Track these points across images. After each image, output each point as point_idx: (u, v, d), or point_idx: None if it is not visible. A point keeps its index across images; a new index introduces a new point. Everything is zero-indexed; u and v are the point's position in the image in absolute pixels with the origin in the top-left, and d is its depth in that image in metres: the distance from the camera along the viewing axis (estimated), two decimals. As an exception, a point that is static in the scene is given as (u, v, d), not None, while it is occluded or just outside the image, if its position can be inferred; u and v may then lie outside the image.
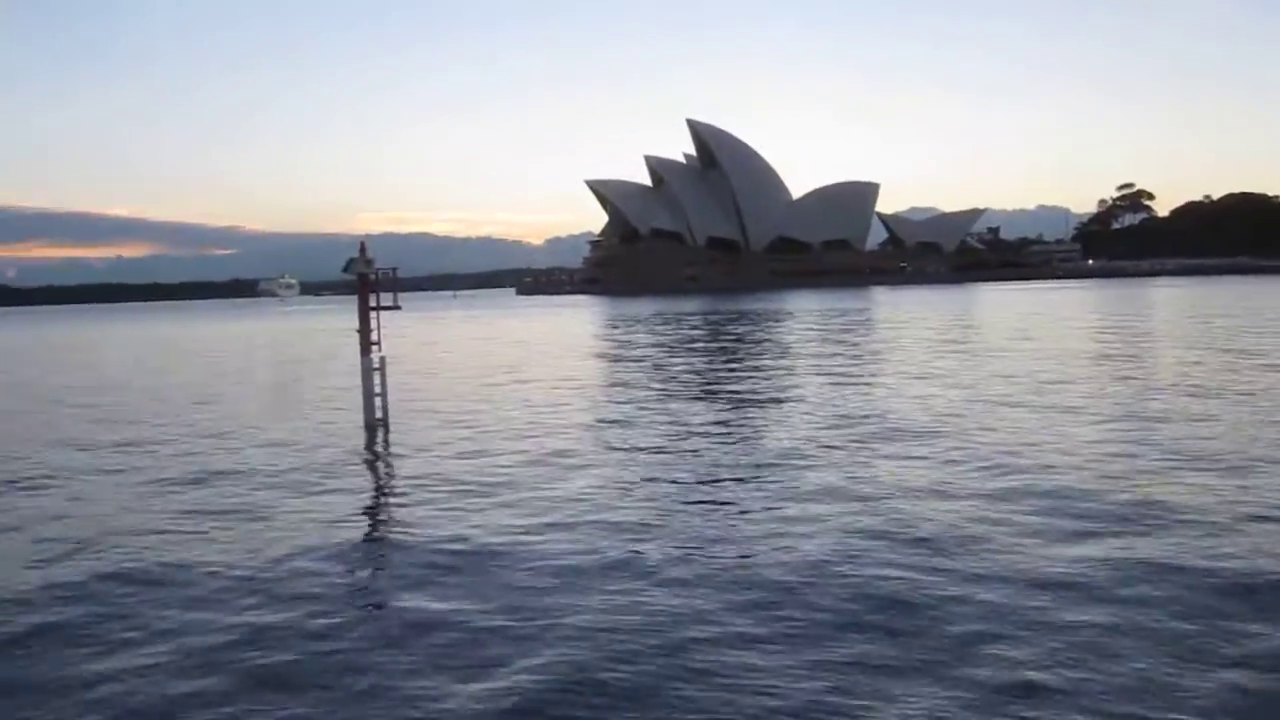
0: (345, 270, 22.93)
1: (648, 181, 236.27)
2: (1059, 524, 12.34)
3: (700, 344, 49.59)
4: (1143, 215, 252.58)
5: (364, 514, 14.71)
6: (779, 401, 25.62)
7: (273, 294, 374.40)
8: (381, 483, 17.28)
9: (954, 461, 16.61)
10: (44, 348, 74.62)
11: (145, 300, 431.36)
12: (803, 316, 73.88)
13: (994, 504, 13.42)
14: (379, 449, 20.40)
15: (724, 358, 40.03)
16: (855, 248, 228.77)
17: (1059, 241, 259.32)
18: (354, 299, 23.19)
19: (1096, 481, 14.59)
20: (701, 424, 22.00)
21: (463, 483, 16.11)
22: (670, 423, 22.30)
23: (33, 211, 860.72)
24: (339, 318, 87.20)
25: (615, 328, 70.05)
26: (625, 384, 31.51)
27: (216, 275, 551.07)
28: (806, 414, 22.84)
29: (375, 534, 13.49)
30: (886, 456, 17.32)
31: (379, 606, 10.40)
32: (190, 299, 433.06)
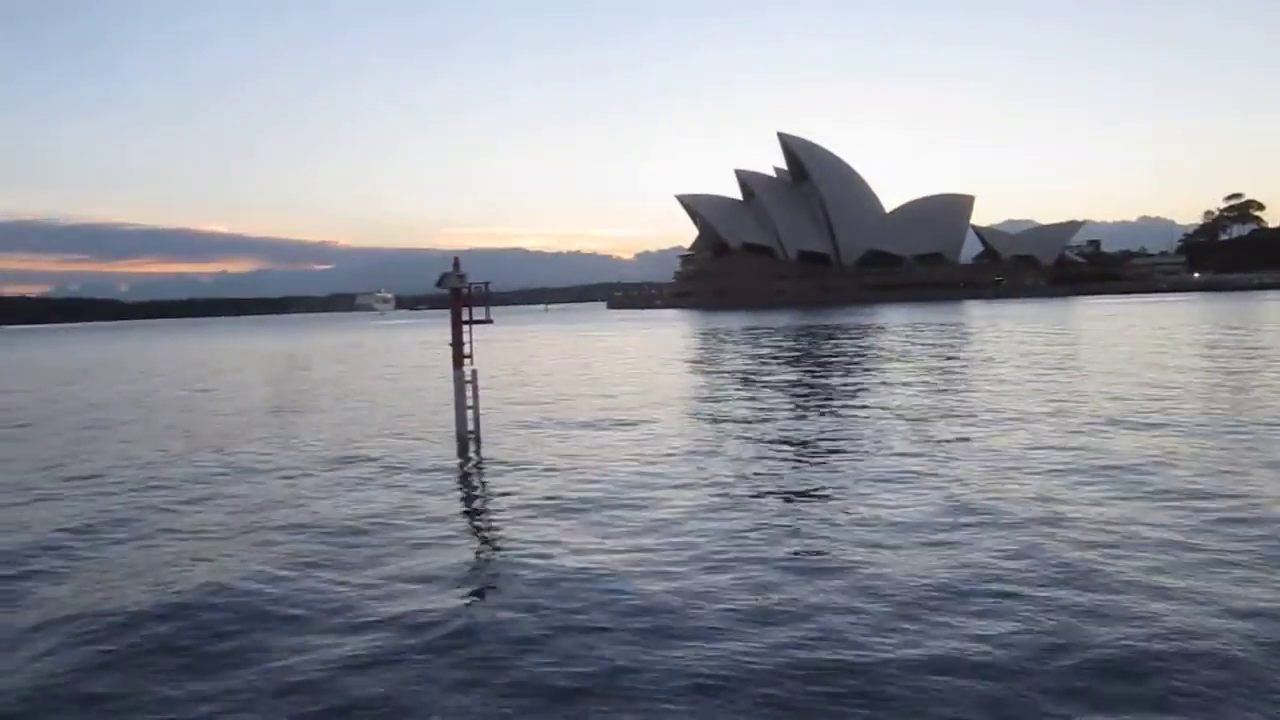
0: (439, 284, 23.19)
1: (738, 196, 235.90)
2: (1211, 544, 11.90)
3: (794, 359, 49.00)
4: (1252, 226, 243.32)
5: (457, 531, 14.62)
6: (880, 419, 24.69)
7: (370, 308, 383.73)
8: (473, 497, 17.27)
9: (1076, 482, 15.96)
10: (165, 362, 76.93)
11: (248, 314, 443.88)
12: (897, 331, 72.46)
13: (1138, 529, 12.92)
14: (470, 462, 20.54)
15: (819, 373, 39.46)
16: (949, 261, 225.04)
17: (1163, 254, 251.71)
18: (448, 312, 23.49)
19: (1231, 502, 13.99)
20: (799, 441, 21.51)
21: (555, 499, 16.03)
22: (766, 440, 21.82)
23: (144, 229, 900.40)
24: (432, 331, 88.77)
25: (706, 342, 69.71)
26: (718, 399, 31.01)
27: (316, 290, 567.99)
28: (910, 433, 22.18)
29: (469, 551, 13.38)
30: (1000, 477, 16.70)
31: (472, 627, 10.10)
32: (291, 313, 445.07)
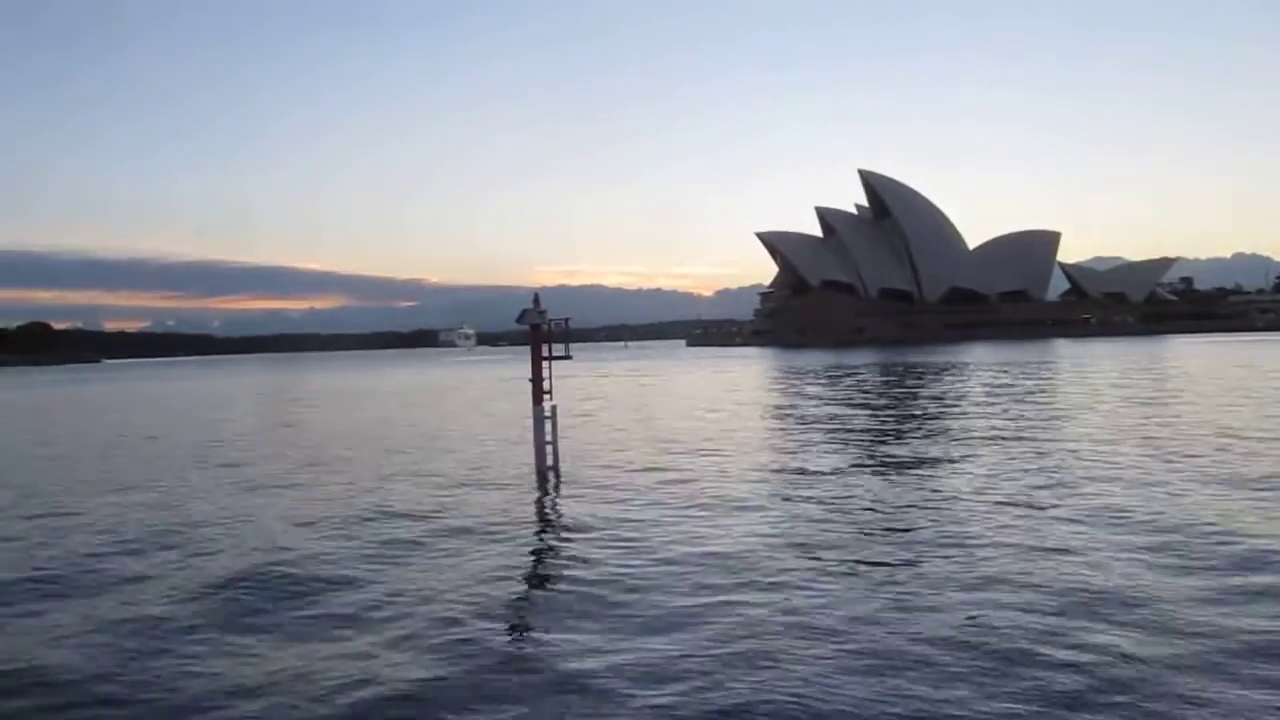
0: (519, 320, 23.24)
1: (819, 233, 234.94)
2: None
3: (882, 402, 47.99)
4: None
5: (533, 568, 14.39)
6: (983, 480, 21.76)
7: (452, 344, 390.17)
8: (552, 535, 16.90)
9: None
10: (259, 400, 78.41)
11: (332, 350, 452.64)
12: (985, 372, 70.36)
13: None
14: (549, 497, 20.34)
15: (911, 421, 38.44)
16: (1035, 299, 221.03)
17: (1259, 291, 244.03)
18: (528, 349, 23.48)
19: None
20: (894, 504, 19.34)
21: (633, 541, 15.61)
22: (853, 491, 20.72)
23: (243, 266, 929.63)
24: (513, 367, 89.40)
25: (790, 381, 68.66)
26: (804, 447, 29.09)
27: (401, 326, 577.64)
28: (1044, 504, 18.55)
29: (542, 588, 13.16)
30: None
31: (536, 670, 9.80)
32: (377, 348, 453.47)
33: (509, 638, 10.78)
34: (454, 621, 11.29)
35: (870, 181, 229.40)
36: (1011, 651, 9.66)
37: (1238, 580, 11.92)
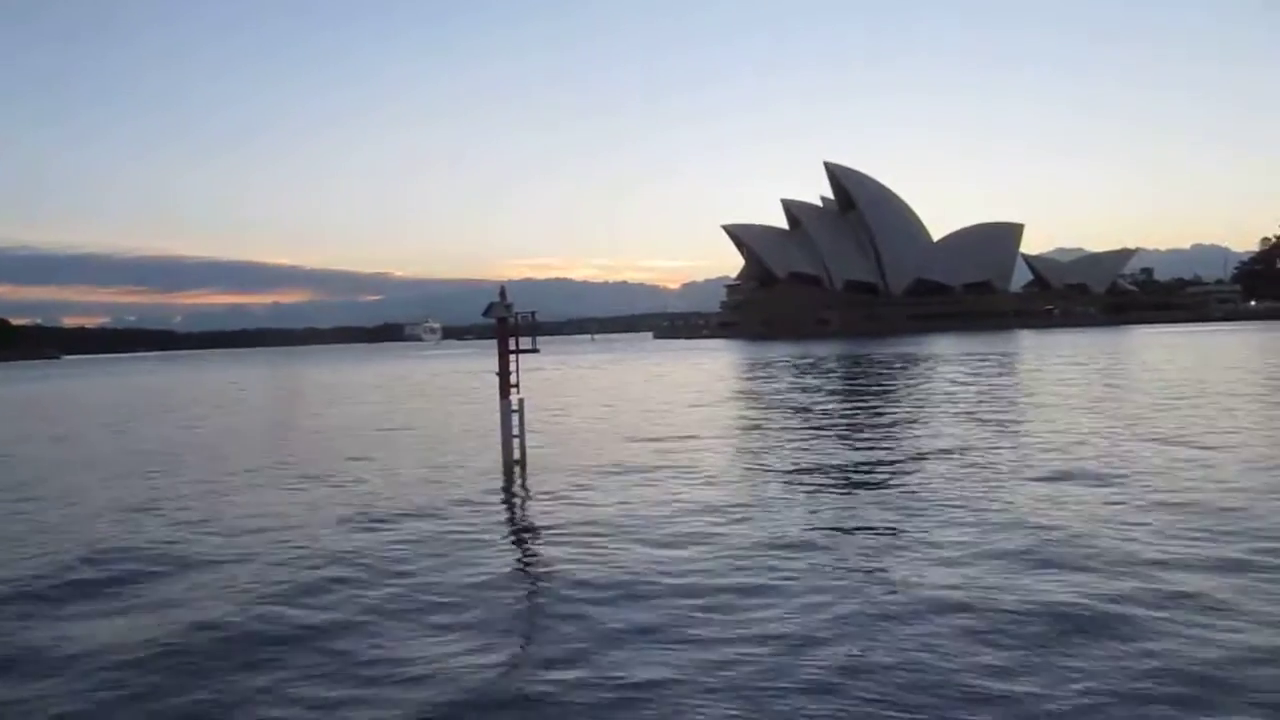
0: (485, 314, 23.20)
1: (785, 226, 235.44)
2: None
3: (854, 395, 48.30)
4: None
5: (494, 569, 14.11)
6: (961, 470, 21.77)
7: (418, 338, 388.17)
8: (515, 533, 16.85)
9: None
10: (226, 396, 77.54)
11: (300, 345, 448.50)
12: (955, 363, 70.60)
13: None
14: (516, 490, 20.36)
15: (884, 417, 38.72)
16: (998, 290, 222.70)
17: (1218, 282, 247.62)
18: (494, 342, 23.46)
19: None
20: (870, 494, 20.09)
21: (599, 538, 15.53)
22: (824, 483, 21.04)
23: (206, 261, 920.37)
24: (479, 360, 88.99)
25: (756, 374, 68.81)
26: (771, 438, 29.46)
27: (366, 320, 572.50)
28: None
29: (511, 579, 13.20)
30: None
31: (506, 672, 9.69)
32: (341, 343, 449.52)
33: (474, 644, 10.54)
34: (414, 627, 11.31)
35: (835, 174, 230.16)
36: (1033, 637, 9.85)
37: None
